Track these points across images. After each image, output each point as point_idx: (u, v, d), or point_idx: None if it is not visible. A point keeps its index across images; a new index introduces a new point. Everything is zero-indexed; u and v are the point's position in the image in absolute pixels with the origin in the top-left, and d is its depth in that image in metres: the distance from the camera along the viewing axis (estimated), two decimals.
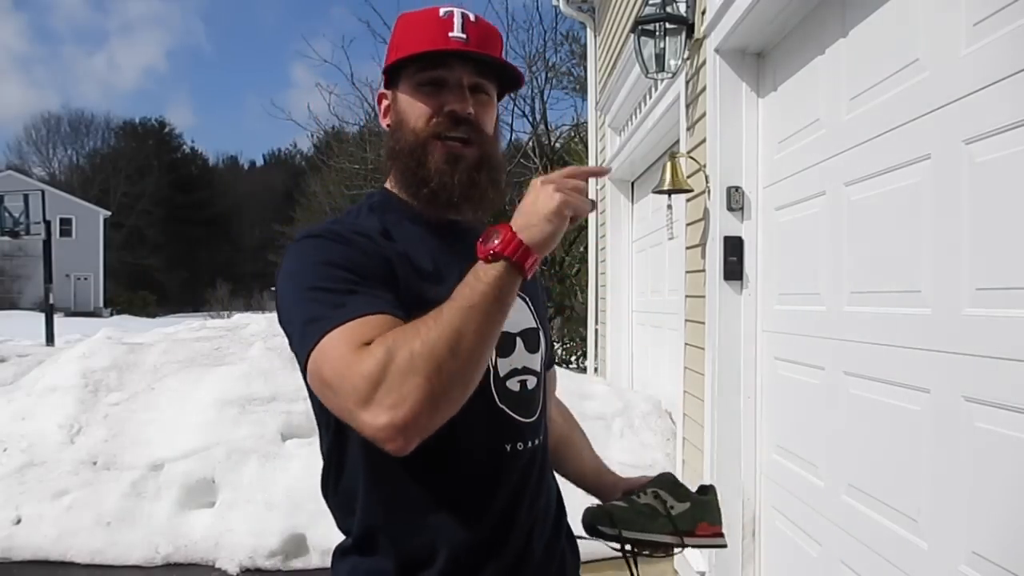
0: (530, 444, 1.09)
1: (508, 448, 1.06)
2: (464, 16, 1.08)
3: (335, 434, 1.06)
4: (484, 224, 1.08)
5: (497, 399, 1.06)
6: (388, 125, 1.14)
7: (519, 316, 1.12)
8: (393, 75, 1.12)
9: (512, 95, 8.46)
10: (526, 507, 1.08)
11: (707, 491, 1.28)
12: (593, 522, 1.21)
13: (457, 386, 0.86)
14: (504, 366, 1.07)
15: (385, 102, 1.15)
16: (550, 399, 1.30)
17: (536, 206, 0.90)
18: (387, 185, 1.17)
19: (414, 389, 0.82)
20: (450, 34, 1.06)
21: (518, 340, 1.10)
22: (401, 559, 1.03)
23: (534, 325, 1.15)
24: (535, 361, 1.13)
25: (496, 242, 0.88)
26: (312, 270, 0.98)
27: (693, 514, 1.24)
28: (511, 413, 1.07)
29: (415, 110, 1.08)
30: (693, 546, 1.25)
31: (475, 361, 0.87)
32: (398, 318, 0.91)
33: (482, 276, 0.87)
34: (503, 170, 1.14)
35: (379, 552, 1.04)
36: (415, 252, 1.06)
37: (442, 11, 1.08)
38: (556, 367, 1.41)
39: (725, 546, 1.27)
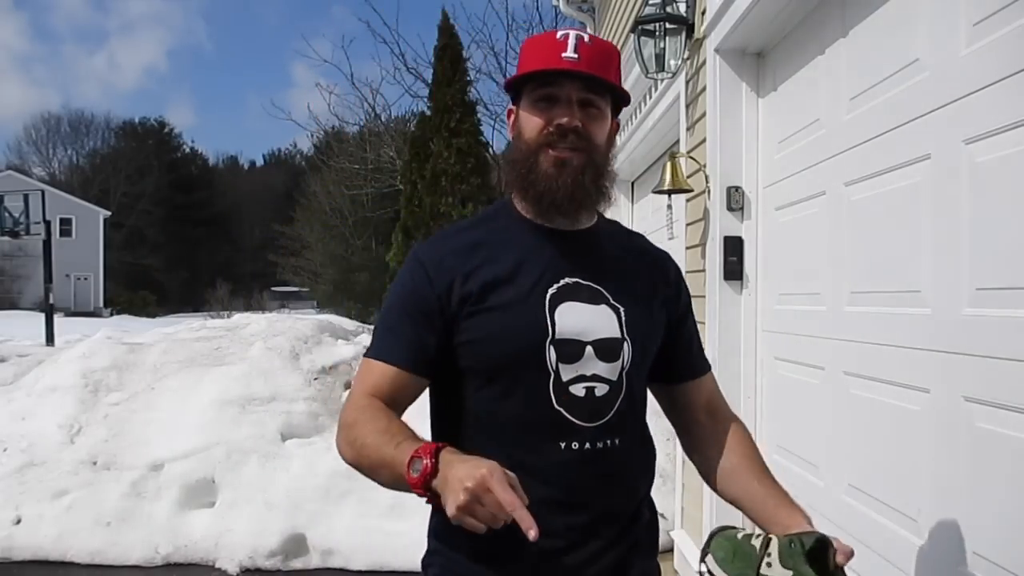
0: (588, 446, 1.18)
1: (562, 446, 1.17)
2: (578, 38, 1.19)
3: (434, 406, 1.29)
4: (591, 232, 1.27)
5: (554, 401, 1.17)
6: (512, 136, 1.28)
7: (596, 325, 1.20)
8: (518, 92, 1.25)
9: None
10: (592, 498, 1.19)
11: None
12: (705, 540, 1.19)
13: (370, 478, 1.13)
14: (568, 372, 1.17)
15: (512, 117, 1.28)
16: (691, 411, 1.36)
17: (454, 478, 0.95)
18: (513, 194, 1.30)
19: (344, 455, 1.16)
20: (563, 55, 1.17)
21: (588, 348, 1.18)
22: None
23: (617, 336, 1.21)
24: (612, 371, 1.21)
25: (413, 473, 1.00)
26: (389, 298, 1.26)
27: None
28: (567, 415, 1.17)
29: (530, 124, 1.22)
30: None
31: (381, 483, 1.12)
32: (401, 368, 1.17)
33: (400, 463, 1.01)
34: (609, 176, 1.26)
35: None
36: (497, 260, 1.21)
37: (559, 34, 1.21)
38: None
39: None
